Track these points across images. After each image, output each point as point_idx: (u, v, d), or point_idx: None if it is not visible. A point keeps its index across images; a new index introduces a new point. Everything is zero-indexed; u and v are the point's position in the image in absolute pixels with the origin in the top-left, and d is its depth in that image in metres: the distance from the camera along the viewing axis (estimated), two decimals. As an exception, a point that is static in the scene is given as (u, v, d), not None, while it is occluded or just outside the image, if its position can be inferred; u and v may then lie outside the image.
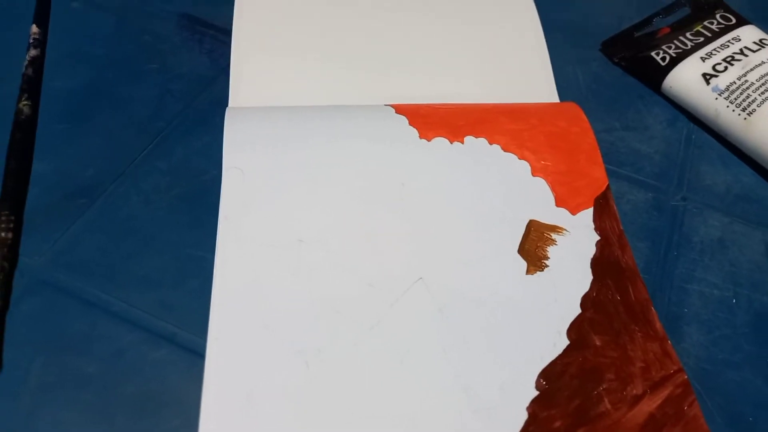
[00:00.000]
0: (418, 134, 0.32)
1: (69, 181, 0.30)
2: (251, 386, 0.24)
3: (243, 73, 0.35)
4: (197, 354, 0.25)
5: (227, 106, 0.33)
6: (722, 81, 0.35)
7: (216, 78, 0.35)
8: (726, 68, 0.35)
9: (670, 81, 0.36)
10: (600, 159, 0.32)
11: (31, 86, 0.33)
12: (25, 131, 0.31)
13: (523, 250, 0.29)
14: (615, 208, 0.30)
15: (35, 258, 0.28)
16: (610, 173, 0.32)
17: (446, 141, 0.32)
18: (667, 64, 0.36)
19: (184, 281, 0.28)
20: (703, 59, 0.36)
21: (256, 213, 0.29)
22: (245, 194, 0.29)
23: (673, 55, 0.37)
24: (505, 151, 0.32)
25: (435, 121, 0.32)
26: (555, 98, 0.35)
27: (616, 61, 0.38)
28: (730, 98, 0.34)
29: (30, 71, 0.34)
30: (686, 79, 0.36)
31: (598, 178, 0.31)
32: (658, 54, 0.37)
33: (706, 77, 0.35)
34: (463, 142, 0.32)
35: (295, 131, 0.31)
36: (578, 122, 0.33)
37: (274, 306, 0.26)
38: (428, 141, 0.31)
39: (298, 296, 0.27)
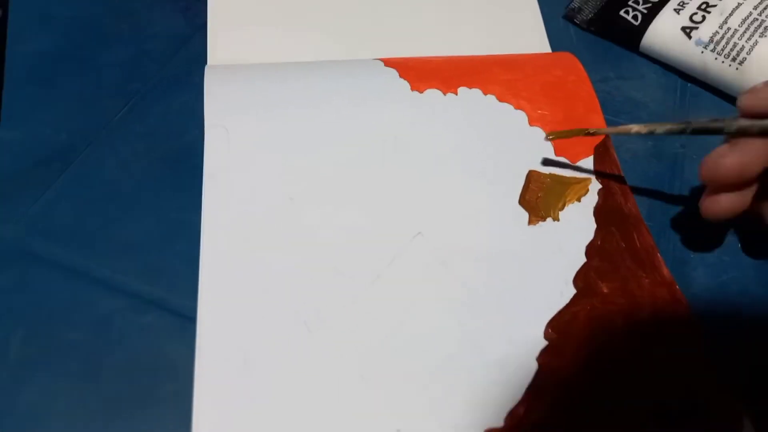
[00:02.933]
0: (409, 86, 0.30)
1: (40, 147, 0.28)
2: (247, 350, 0.23)
3: (221, 30, 0.33)
4: (189, 318, 0.24)
5: (206, 64, 0.31)
6: (704, 32, 0.32)
7: (192, 36, 0.33)
8: (704, 18, 0.32)
9: (648, 41, 0.33)
10: (598, 107, 0.31)
11: (-7, 49, 0.31)
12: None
13: (524, 201, 0.28)
14: (615, 155, 0.29)
15: (8, 227, 0.26)
16: (607, 122, 0.31)
17: (439, 92, 0.30)
18: (640, 23, 0.33)
19: (169, 245, 0.26)
20: (677, 11, 0.33)
21: (244, 172, 0.27)
22: (231, 153, 0.28)
23: (644, 11, 0.34)
24: (500, 101, 0.30)
25: (426, 73, 0.31)
26: (547, 50, 0.34)
27: (585, 27, 0.35)
28: (716, 50, 0.31)
29: (-9, 34, 0.32)
30: (664, 35, 0.33)
31: (597, 126, 0.30)
32: (627, 12, 0.34)
33: (686, 31, 0.32)
34: (456, 93, 0.30)
35: (280, 87, 0.30)
36: (574, 71, 0.32)
37: (267, 267, 0.25)
38: (420, 93, 0.30)
39: (292, 256, 0.25)
